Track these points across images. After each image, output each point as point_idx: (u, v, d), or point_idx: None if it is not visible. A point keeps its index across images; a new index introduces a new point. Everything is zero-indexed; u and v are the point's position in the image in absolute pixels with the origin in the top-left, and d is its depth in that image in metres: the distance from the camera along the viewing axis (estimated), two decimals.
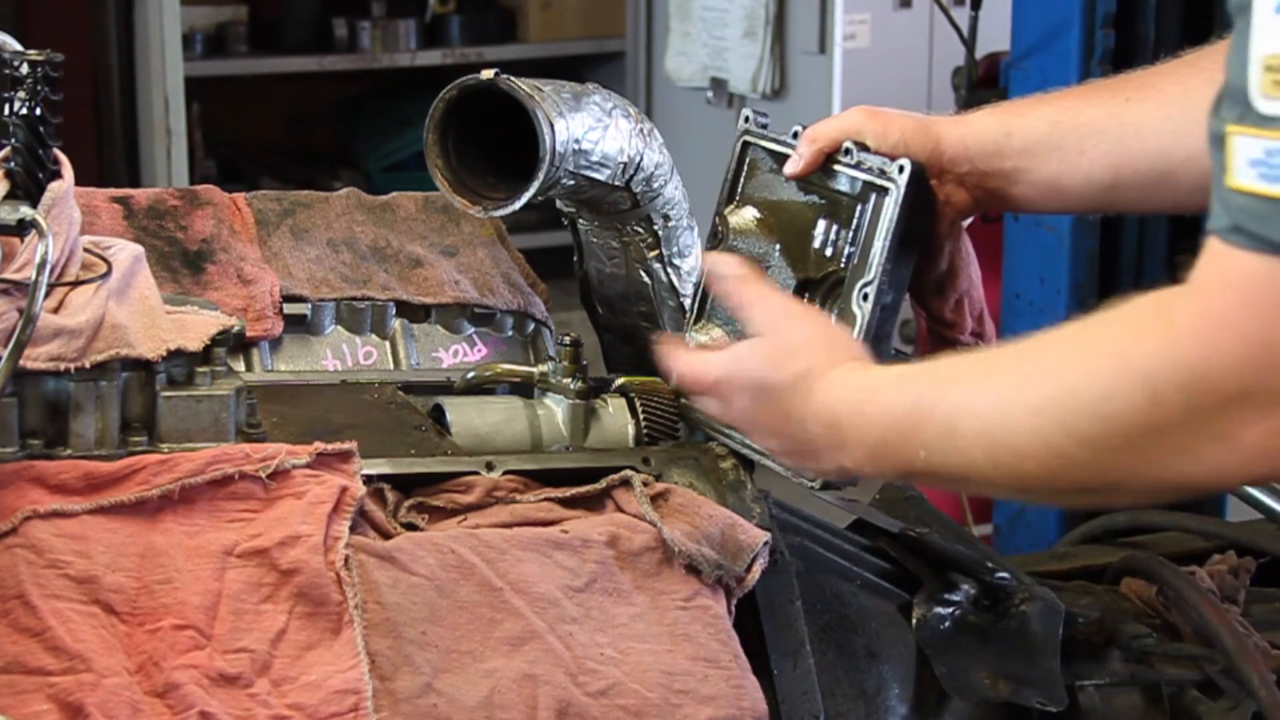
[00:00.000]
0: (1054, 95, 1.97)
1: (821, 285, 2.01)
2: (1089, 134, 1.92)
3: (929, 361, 1.70)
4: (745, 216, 2.06)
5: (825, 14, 5.54)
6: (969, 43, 4.02)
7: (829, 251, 2.00)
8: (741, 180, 2.08)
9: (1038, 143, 1.94)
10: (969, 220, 2.04)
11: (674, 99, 6.21)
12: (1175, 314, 1.42)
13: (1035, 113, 1.96)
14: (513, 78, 2.08)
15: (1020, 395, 1.55)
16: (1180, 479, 1.47)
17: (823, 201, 2.01)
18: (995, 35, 4.10)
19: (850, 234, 1.98)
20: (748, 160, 2.08)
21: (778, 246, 2.04)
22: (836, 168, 1.99)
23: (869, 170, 1.96)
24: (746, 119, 2.08)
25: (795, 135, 2.02)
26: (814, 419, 1.72)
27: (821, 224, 2.01)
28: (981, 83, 4.00)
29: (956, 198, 1.98)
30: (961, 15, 4.11)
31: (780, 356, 1.77)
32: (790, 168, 2.02)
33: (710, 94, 5.94)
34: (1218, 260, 1.39)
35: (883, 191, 1.94)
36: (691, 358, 1.86)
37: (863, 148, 1.97)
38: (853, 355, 1.76)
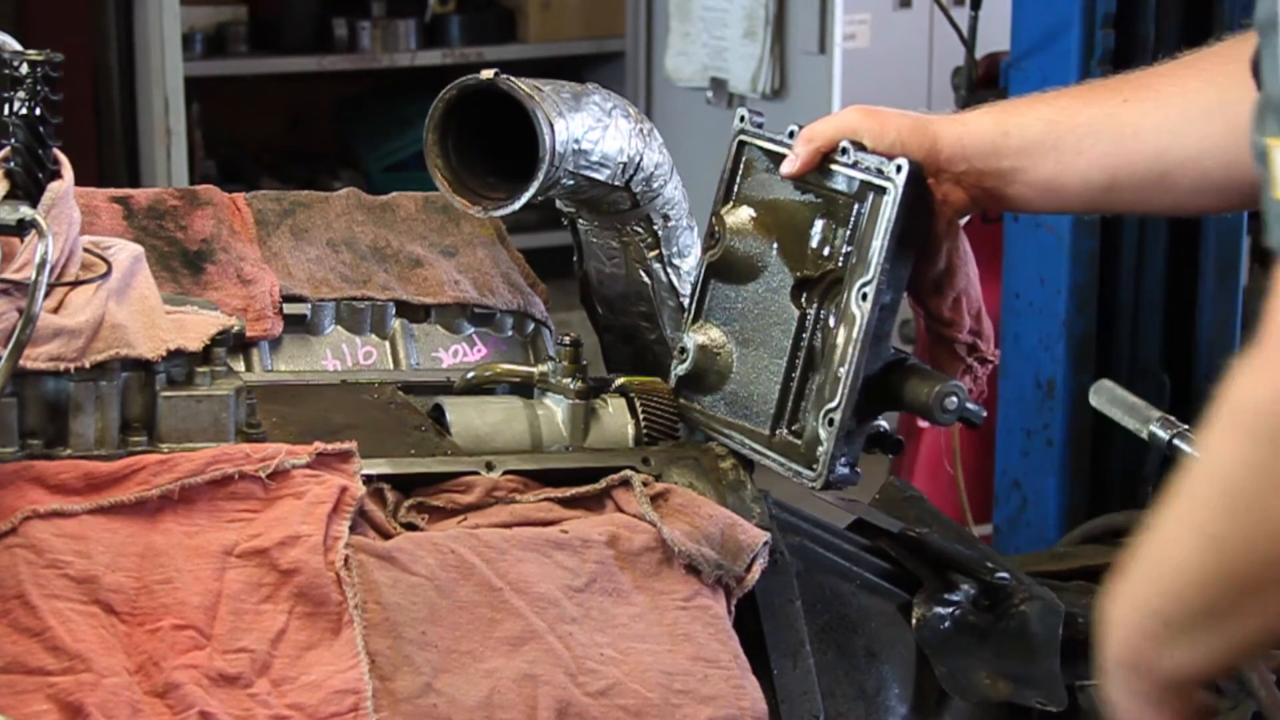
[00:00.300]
0: (1051, 95, 1.97)
1: (819, 284, 2.01)
2: (1086, 134, 1.92)
3: None
4: (742, 216, 2.07)
5: (825, 14, 5.54)
6: (969, 43, 4.02)
7: (826, 250, 2.00)
8: (738, 180, 2.08)
9: (1035, 142, 1.94)
10: (966, 219, 2.04)
11: (674, 99, 6.20)
12: (1253, 360, 1.35)
13: (1033, 112, 1.96)
14: (512, 78, 2.08)
15: (1168, 506, 1.43)
16: None
17: (819, 200, 2.01)
18: (995, 35, 4.09)
19: (848, 233, 1.98)
20: (744, 160, 2.08)
21: (775, 245, 2.04)
22: (833, 167, 1.99)
23: (866, 170, 1.96)
24: (742, 118, 2.08)
25: (791, 135, 2.02)
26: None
27: (819, 223, 2.01)
28: (981, 83, 3.99)
29: (953, 197, 1.98)
30: (961, 15, 4.10)
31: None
32: (787, 167, 2.01)
33: (710, 94, 5.94)
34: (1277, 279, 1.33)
35: (880, 191, 1.94)
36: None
37: (859, 147, 1.97)
38: None
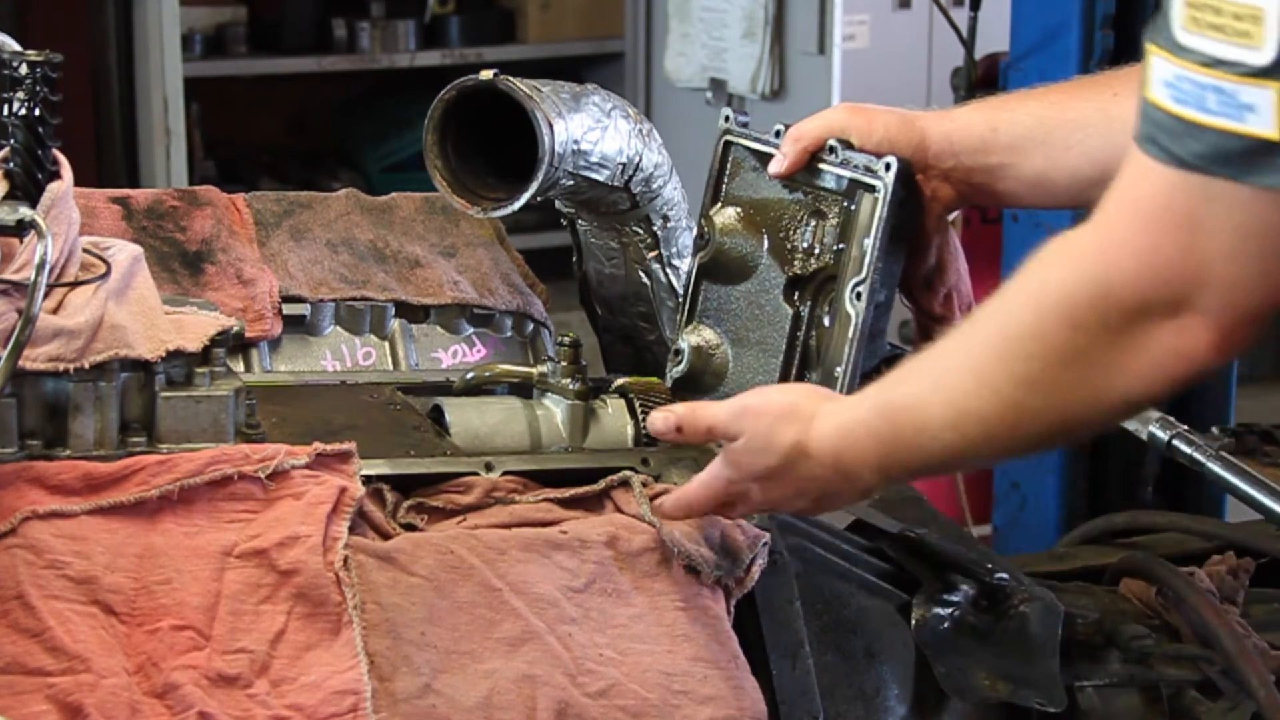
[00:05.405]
0: (1041, 90, 1.97)
1: (811, 282, 2.01)
2: (1075, 129, 1.92)
3: (889, 373, 1.76)
4: (730, 216, 2.07)
5: (824, 15, 5.53)
6: (968, 44, 4.02)
7: (817, 249, 2.00)
8: (725, 180, 2.08)
9: (1024, 138, 1.94)
10: (955, 215, 2.04)
11: (673, 99, 6.20)
12: (1080, 240, 1.53)
13: (1022, 108, 1.96)
14: (511, 78, 2.08)
15: (965, 361, 1.63)
16: (1117, 398, 1.55)
17: (808, 199, 2.01)
18: (995, 36, 4.09)
19: (838, 231, 1.98)
20: (730, 160, 2.08)
21: (765, 244, 2.05)
22: (822, 166, 1.99)
23: (855, 168, 1.96)
24: (727, 118, 2.08)
25: (778, 134, 2.03)
26: (822, 471, 1.78)
27: (808, 222, 2.01)
28: (981, 83, 3.99)
29: (942, 193, 1.98)
30: (961, 16, 4.11)
31: (763, 444, 1.79)
32: (775, 167, 2.02)
33: (709, 95, 5.94)
34: (1126, 174, 1.49)
35: (870, 189, 1.94)
36: (694, 488, 1.88)
37: (847, 145, 1.97)
38: (818, 401, 1.80)
